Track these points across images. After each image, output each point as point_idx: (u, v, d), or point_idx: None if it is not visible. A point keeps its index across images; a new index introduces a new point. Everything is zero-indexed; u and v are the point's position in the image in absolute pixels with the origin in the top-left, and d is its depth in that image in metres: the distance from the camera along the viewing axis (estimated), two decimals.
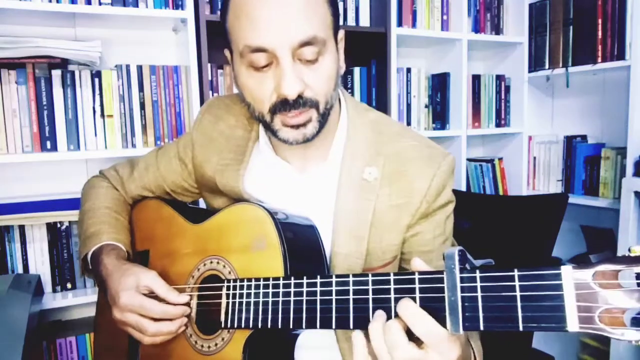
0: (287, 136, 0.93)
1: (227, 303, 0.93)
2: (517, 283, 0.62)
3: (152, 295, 0.99)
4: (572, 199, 2.54)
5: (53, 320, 1.99)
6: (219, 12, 2.02)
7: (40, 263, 1.86)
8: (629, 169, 2.22)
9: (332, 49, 0.94)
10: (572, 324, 0.58)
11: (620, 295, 0.56)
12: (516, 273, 0.62)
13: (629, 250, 0.56)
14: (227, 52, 1.02)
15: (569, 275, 0.59)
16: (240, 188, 1.06)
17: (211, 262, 1.00)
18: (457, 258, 0.66)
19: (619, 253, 0.57)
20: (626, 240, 2.13)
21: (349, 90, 2.37)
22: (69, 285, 1.91)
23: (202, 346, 0.98)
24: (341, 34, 1.00)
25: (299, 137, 0.93)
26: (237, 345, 0.91)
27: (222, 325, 0.94)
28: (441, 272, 0.68)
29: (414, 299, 0.70)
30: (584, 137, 2.74)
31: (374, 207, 0.98)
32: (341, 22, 2.26)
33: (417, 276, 0.71)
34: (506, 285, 0.63)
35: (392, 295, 0.73)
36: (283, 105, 0.89)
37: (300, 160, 1.05)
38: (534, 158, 2.87)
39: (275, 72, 0.89)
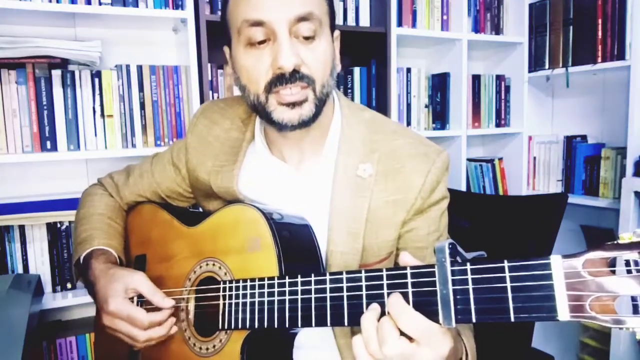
0: (282, 116, 0.93)
1: (224, 304, 0.94)
2: (507, 274, 0.62)
3: (141, 296, 1.00)
4: (572, 199, 2.54)
5: (53, 320, 1.99)
6: (219, 12, 2.02)
7: (40, 263, 1.86)
8: (629, 169, 2.22)
9: (327, 34, 0.96)
10: (563, 313, 0.58)
11: (611, 283, 0.56)
12: (506, 264, 0.62)
13: (618, 237, 0.56)
14: (226, 49, 1.03)
15: (559, 265, 0.59)
16: (235, 188, 1.06)
17: (207, 264, 1.01)
18: (447, 251, 0.66)
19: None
20: None
21: (349, 90, 2.37)
22: (69, 285, 1.91)
23: (200, 348, 0.98)
24: (336, 33, 1.02)
25: (294, 118, 0.93)
26: (235, 346, 0.92)
27: (220, 327, 0.94)
28: (432, 266, 0.69)
29: (406, 293, 0.70)
30: (584, 137, 2.74)
31: (368, 203, 0.99)
32: (341, 22, 2.28)
33: (409, 271, 0.71)
34: (497, 276, 0.63)
35: (385, 291, 0.73)
36: (279, 80, 0.90)
37: (296, 155, 1.06)
38: (534, 158, 2.87)
39: (272, 48, 0.91)
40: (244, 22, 0.90)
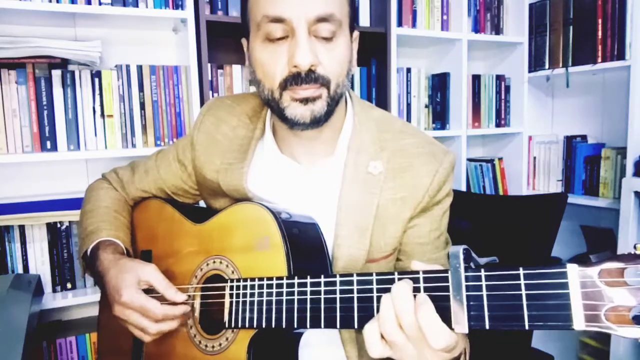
0: (295, 112, 0.93)
1: (231, 303, 0.93)
2: (522, 282, 0.62)
3: (151, 289, 1.00)
4: (572, 199, 2.54)
5: (53, 320, 1.99)
6: (219, 12, 2.03)
7: (40, 263, 1.86)
8: (629, 169, 2.22)
9: (346, 35, 0.95)
10: (579, 323, 0.58)
11: (627, 293, 0.56)
12: (522, 272, 0.62)
13: (635, 247, 0.55)
14: (243, 41, 1.03)
15: (575, 274, 0.58)
16: (244, 186, 1.06)
17: (214, 262, 1.00)
18: (461, 257, 0.66)
19: (619, 253, 0.58)
20: (626, 240, 2.13)
21: None
22: (69, 285, 1.90)
23: (206, 346, 0.98)
24: (356, 34, 1.02)
25: (306, 114, 0.93)
26: (241, 344, 0.92)
27: (226, 325, 0.94)
28: (446, 271, 0.68)
29: None
30: (584, 137, 2.74)
31: (378, 200, 0.99)
32: None
33: (421, 275, 0.71)
34: (512, 284, 0.63)
35: None
36: (294, 78, 0.90)
37: (307, 155, 1.06)
38: (534, 158, 2.87)
39: (290, 45, 0.90)
40: (264, 18, 0.90)
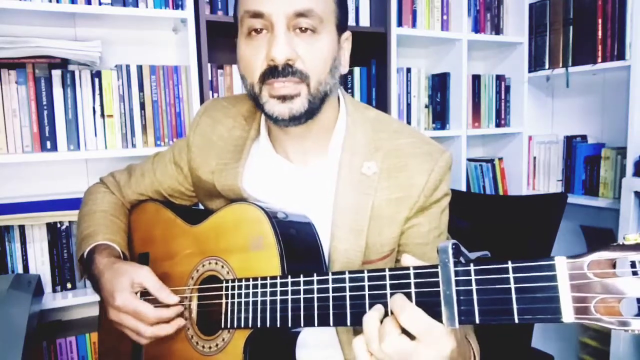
0: (272, 109, 0.94)
1: (227, 303, 0.94)
2: (511, 275, 0.62)
3: (146, 292, 1.00)
4: (572, 199, 2.53)
5: (53, 320, 1.99)
6: (219, 12, 2.03)
7: (40, 263, 1.86)
8: (629, 169, 2.22)
9: (330, 32, 0.96)
10: (568, 315, 0.58)
11: (616, 284, 0.55)
12: (510, 265, 0.62)
13: (624, 238, 0.55)
14: (236, 40, 1.04)
15: (563, 266, 0.58)
16: (239, 186, 1.06)
17: (210, 263, 1.01)
18: (450, 252, 0.66)
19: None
20: None
21: (349, 90, 2.37)
22: (69, 285, 1.91)
23: (203, 347, 0.98)
24: (347, 34, 1.03)
25: (284, 112, 0.93)
26: (237, 345, 0.92)
27: (222, 326, 0.94)
28: (436, 267, 0.68)
29: (409, 293, 0.70)
30: (584, 137, 2.74)
31: (372, 201, 0.99)
32: None
33: (412, 271, 0.71)
34: (500, 277, 0.63)
35: (388, 291, 0.73)
36: (272, 72, 0.91)
37: (300, 154, 1.06)
38: (534, 158, 2.87)
39: (269, 39, 0.92)
40: (245, 13, 0.92)
